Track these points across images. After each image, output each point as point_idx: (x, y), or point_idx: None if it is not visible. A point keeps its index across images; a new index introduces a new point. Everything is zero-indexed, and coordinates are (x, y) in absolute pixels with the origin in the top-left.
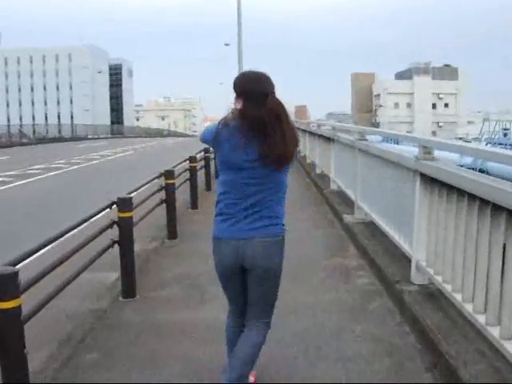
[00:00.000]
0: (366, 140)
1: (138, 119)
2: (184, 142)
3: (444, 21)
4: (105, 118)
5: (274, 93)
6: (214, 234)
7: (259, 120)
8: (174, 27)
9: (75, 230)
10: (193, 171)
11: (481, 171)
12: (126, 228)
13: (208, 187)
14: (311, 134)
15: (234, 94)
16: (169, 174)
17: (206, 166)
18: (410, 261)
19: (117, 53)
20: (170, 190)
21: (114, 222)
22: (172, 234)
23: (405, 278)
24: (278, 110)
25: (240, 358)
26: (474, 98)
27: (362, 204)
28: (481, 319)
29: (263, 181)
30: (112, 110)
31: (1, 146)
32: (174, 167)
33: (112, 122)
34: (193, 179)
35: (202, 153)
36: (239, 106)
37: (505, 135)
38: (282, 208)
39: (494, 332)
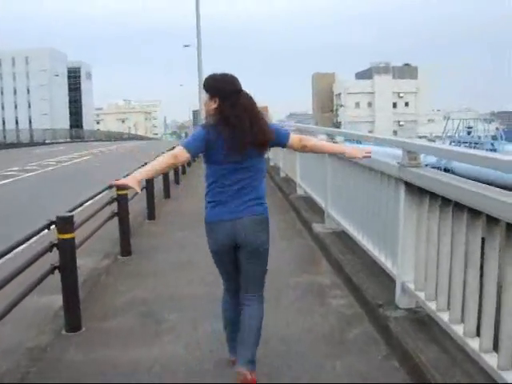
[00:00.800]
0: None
1: (98, 122)
2: (143, 146)
3: (409, 24)
4: (64, 122)
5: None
6: (208, 219)
7: (236, 116)
8: (133, 30)
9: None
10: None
11: (446, 170)
12: (67, 251)
13: (167, 194)
14: None
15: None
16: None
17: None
18: (393, 280)
19: (76, 56)
20: (122, 201)
21: (53, 245)
22: (126, 250)
23: (388, 301)
24: (251, 104)
25: (245, 341)
26: (435, 97)
27: (333, 212)
28: (490, 360)
29: (247, 169)
30: (71, 113)
31: None
32: (128, 175)
33: (71, 126)
34: (149, 186)
35: None
36: (214, 105)
37: (468, 133)
38: (263, 190)
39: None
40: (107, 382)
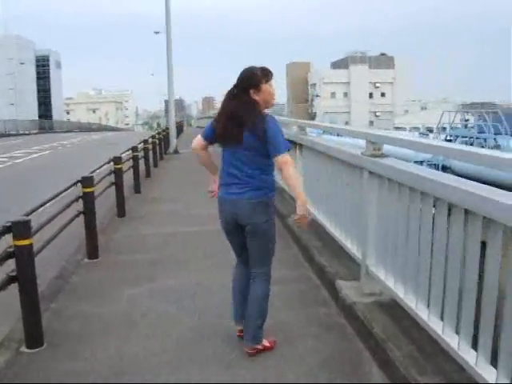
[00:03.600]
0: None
1: (68, 112)
2: (112, 138)
3: (389, 15)
4: (32, 112)
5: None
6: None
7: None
8: (104, 19)
9: None
10: (118, 173)
11: (443, 168)
12: (24, 259)
13: (137, 189)
14: None
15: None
16: (87, 181)
17: (135, 167)
18: None
19: (45, 44)
20: (88, 200)
21: (8, 253)
22: (92, 252)
23: None
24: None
25: (249, 316)
26: (411, 88)
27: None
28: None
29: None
30: (40, 103)
31: None
32: (94, 171)
33: (40, 116)
34: (118, 182)
35: (130, 151)
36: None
37: (465, 126)
38: (265, 176)
39: None
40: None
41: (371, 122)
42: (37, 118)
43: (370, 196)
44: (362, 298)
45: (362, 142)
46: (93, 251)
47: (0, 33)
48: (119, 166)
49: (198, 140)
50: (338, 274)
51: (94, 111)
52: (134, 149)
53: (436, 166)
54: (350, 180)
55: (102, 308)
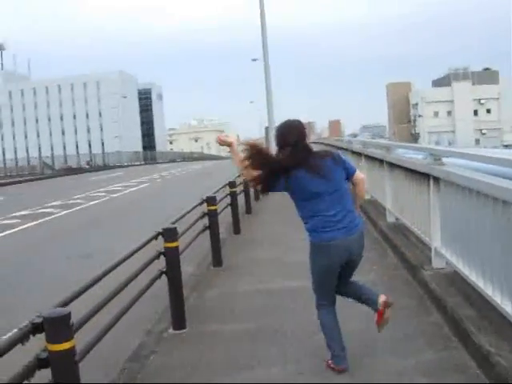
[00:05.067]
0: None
1: (171, 143)
2: (212, 168)
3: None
4: (136, 144)
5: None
6: None
7: None
8: (200, 48)
9: None
10: (212, 214)
11: None
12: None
13: (236, 229)
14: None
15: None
16: (169, 234)
17: (233, 204)
18: None
19: (146, 77)
20: (172, 258)
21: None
22: (179, 323)
23: None
24: None
25: (369, 292)
26: None
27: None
28: None
29: None
30: (143, 135)
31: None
32: (179, 218)
33: (144, 148)
34: (213, 224)
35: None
36: None
37: None
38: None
39: None
40: None
41: (477, 141)
42: (140, 150)
43: None
44: None
45: None
46: (178, 320)
47: (105, 69)
48: (214, 207)
49: None
50: None
51: (196, 140)
52: (232, 184)
53: None
54: None
55: None
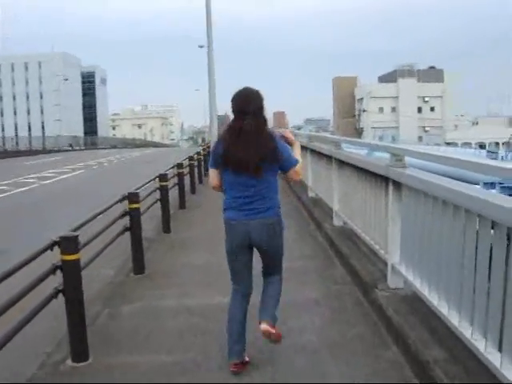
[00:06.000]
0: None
1: (114, 128)
2: (152, 155)
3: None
4: (78, 128)
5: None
6: None
7: None
8: (147, 34)
9: None
10: (134, 214)
11: None
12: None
13: (165, 228)
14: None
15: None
16: (68, 246)
17: (163, 200)
18: None
19: (90, 61)
20: (70, 273)
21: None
22: (80, 352)
23: None
24: None
25: (268, 303)
26: (460, 102)
27: None
28: None
29: None
30: (85, 119)
31: None
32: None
33: (85, 133)
34: (134, 226)
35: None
36: None
37: None
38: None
39: None
40: None
41: (420, 138)
42: (82, 135)
43: None
44: None
45: None
46: (79, 349)
47: (47, 50)
48: (136, 205)
49: None
50: None
51: (139, 127)
52: (162, 178)
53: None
54: None
55: None
